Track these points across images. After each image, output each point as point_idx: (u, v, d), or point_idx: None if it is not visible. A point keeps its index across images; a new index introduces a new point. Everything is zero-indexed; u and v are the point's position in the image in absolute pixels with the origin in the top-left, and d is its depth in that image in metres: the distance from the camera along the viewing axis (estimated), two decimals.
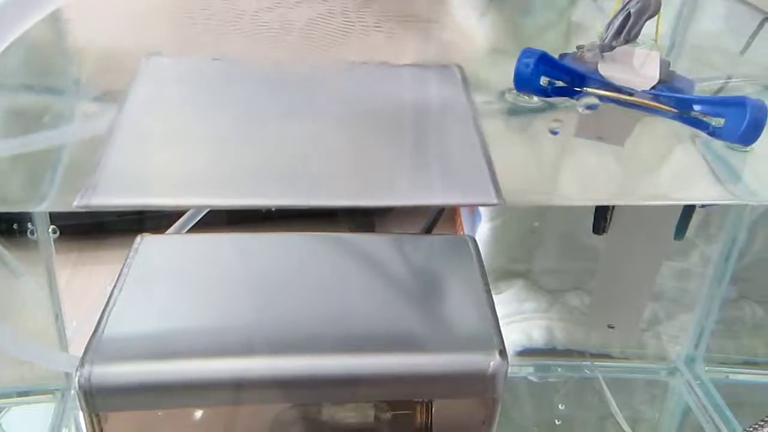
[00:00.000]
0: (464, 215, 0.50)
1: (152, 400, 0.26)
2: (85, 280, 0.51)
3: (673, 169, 0.24)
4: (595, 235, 0.45)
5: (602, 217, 0.30)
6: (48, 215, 0.38)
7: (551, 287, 0.47)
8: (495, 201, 0.21)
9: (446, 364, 0.27)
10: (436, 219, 0.51)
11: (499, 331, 0.28)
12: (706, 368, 0.45)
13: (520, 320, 0.44)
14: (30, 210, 0.31)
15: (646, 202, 0.25)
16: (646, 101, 0.24)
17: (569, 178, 0.23)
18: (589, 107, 0.24)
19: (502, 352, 0.27)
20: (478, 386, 0.27)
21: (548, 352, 0.45)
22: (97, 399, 0.26)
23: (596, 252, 0.45)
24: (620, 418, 0.41)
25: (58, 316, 0.41)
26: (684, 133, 0.25)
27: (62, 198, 0.20)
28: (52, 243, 0.39)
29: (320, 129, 0.25)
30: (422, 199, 0.21)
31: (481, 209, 0.44)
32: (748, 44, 0.32)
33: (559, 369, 0.45)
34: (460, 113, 0.25)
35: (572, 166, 0.24)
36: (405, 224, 0.56)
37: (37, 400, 0.41)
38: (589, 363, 0.45)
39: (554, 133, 0.24)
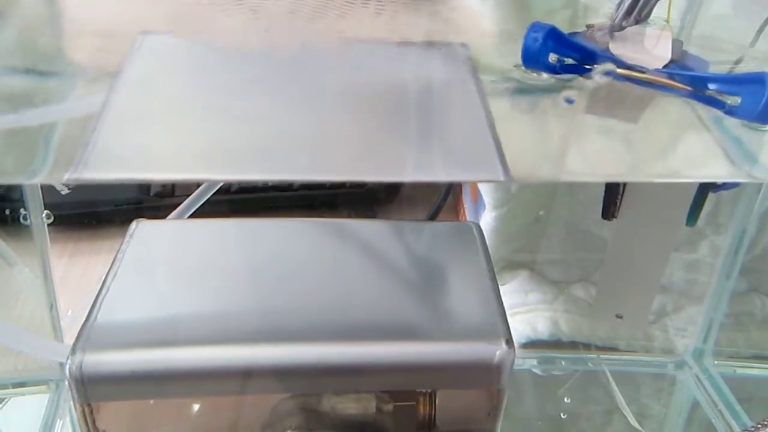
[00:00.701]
0: (467, 204, 0.49)
1: (146, 390, 0.25)
2: (82, 270, 0.50)
3: (685, 148, 0.23)
4: (602, 226, 0.44)
5: (612, 201, 0.29)
6: (41, 200, 0.37)
7: (556, 278, 0.46)
8: (502, 177, 0.20)
9: (450, 353, 0.26)
10: (440, 207, 0.50)
11: (506, 319, 0.27)
12: (715, 362, 0.44)
13: (525, 312, 0.44)
14: (22, 182, 0.30)
15: (658, 179, 0.24)
16: (660, 79, 0.24)
17: (578, 156, 0.22)
18: (607, 73, 0.23)
19: (509, 341, 0.26)
20: (484, 376, 0.26)
21: (553, 344, 0.44)
22: (89, 388, 0.25)
23: (603, 243, 0.44)
24: (627, 411, 0.40)
25: (52, 306, 0.40)
26: (698, 112, 0.24)
27: (54, 173, 0.20)
28: (46, 229, 0.38)
29: (322, 106, 0.24)
30: (428, 175, 0.20)
31: (485, 198, 0.43)
32: (758, 34, 0.31)
33: (563, 362, 0.44)
34: (466, 91, 0.25)
35: (581, 143, 0.23)
36: (407, 215, 0.55)
37: (32, 391, 0.40)
38: (594, 356, 0.44)
39: (569, 101, 0.23)
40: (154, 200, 0.54)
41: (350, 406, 0.28)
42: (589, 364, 0.44)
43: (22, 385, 0.41)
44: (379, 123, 0.23)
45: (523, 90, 0.24)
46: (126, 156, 0.20)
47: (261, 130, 0.22)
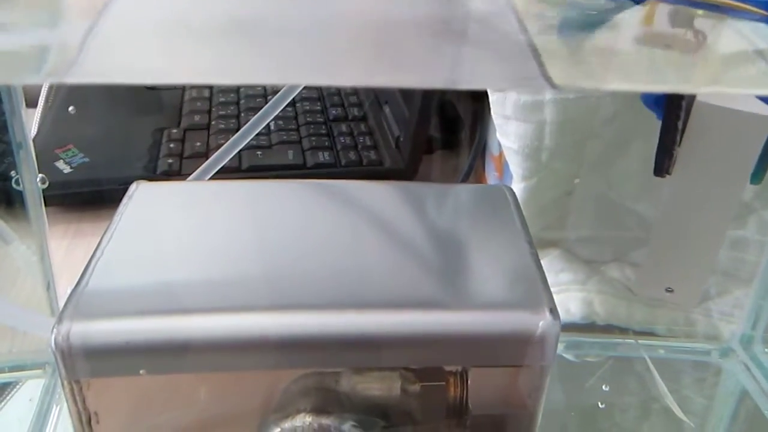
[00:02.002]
0: (491, 178, 0.46)
1: (142, 364, 0.22)
2: (84, 251, 0.48)
3: (748, 69, 0.20)
4: (639, 201, 0.41)
5: (667, 153, 0.26)
6: (35, 160, 0.34)
7: (589, 257, 0.42)
8: (544, 84, 0.17)
9: (486, 323, 0.23)
10: (468, 173, 0.47)
11: (548, 286, 0.24)
12: (766, 350, 0.40)
13: (557, 292, 0.40)
14: (7, 83, 0.28)
15: (720, 88, 0.21)
16: (731, 1, 0.20)
17: (625, 69, 0.19)
18: None
19: (553, 310, 0.23)
20: (525, 351, 0.23)
21: (586, 327, 0.40)
22: (77, 362, 0.22)
23: (640, 219, 0.41)
24: (671, 400, 0.37)
25: (49, 285, 0.37)
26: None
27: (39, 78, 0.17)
28: (42, 198, 0.35)
29: (341, 25, 0.21)
30: (466, 83, 0.18)
31: (513, 168, 0.40)
32: None
33: (597, 347, 0.41)
34: (503, 13, 0.22)
35: (630, 59, 0.20)
36: None
37: (27, 375, 0.38)
38: (632, 341, 0.41)
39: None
40: (161, 179, 0.52)
41: (372, 386, 0.24)
42: (623, 350, 0.41)
43: (19, 369, 0.38)
44: (405, 37, 0.20)
45: (568, 11, 0.21)
46: (112, 67, 0.18)
47: (277, 44, 0.19)
